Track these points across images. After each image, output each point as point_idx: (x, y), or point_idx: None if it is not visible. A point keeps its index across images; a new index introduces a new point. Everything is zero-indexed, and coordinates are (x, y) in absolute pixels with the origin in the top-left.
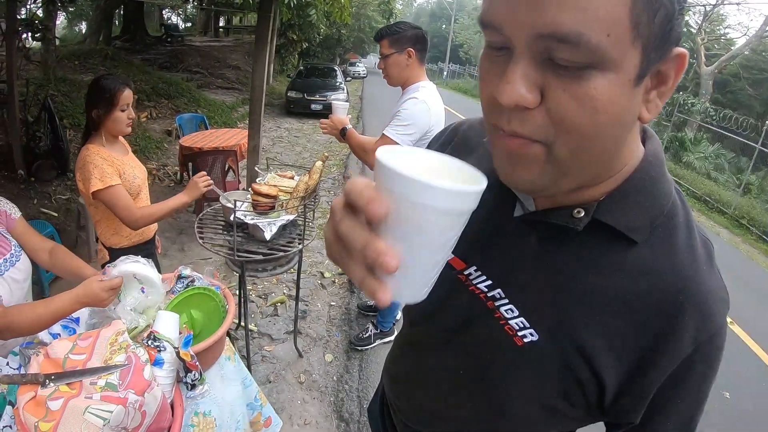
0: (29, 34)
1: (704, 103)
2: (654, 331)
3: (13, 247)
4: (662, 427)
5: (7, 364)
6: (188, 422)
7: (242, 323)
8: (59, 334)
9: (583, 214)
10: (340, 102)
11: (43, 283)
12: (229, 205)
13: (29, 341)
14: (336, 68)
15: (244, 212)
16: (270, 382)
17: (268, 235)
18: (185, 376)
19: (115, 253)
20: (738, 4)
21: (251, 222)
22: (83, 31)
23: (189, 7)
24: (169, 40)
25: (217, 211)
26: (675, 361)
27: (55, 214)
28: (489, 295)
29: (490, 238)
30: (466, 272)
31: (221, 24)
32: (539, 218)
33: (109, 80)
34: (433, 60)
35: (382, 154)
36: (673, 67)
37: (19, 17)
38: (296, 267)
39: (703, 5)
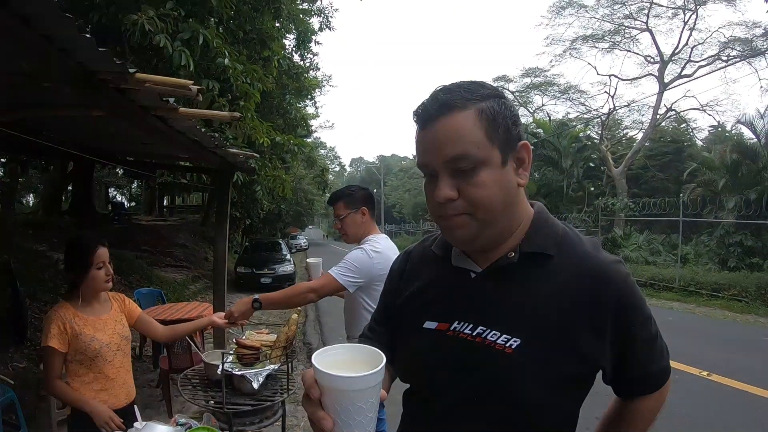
0: None
1: (623, 200)
2: (588, 300)
3: None
4: (632, 372)
5: None
6: None
7: None
8: None
9: (514, 254)
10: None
11: None
12: (215, 362)
13: None
14: (281, 242)
15: (231, 365)
16: None
17: (256, 385)
18: None
19: (76, 413)
20: (627, 105)
21: (239, 373)
22: (30, 203)
23: (134, 187)
24: (116, 218)
25: (196, 374)
26: (610, 313)
27: (12, 382)
28: (474, 334)
29: (460, 299)
30: (451, 328)
31: (165, 204)
32: (489, 271)
33: (83, 240)
34: None
35: (314, 356)
36: (525, 153)
37: None
38: (281, 420)
39: (599, 117)
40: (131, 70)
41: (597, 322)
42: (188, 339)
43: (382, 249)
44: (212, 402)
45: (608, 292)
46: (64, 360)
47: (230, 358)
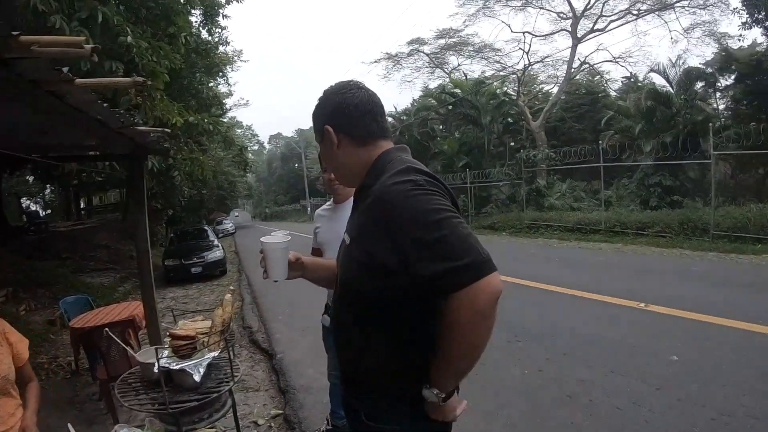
0: None
1: (544, 151)
2: (374, 214)
3: None
4: (425, 270)
5: None
6: None
7: None
8: None
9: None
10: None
11: None
12: (151, 360)
13: None
14: (206, 228)
15: (168, 360)
16: None
17: (198, 377)
18: None
19: None
20: (542, 61)
21: (177, 368)
22: None
23: (47, 193)
24: (32, 228)
25: (134, 376)
26: (383, 222)
27: None
28: (345, 238)
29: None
30: (345, 242)
31: (82, 206)
32: (354, 200)
33: None
34: (294, 200)
35: (263, 239)
36: (326, 132)
37: None
38: (231, 411)
39: (515, 73)
40: (14, 33)
41: (377, 230)
42: (122, 342)
43: None
44: (156, 404)
45: (381, 206)
46: None
47: (166, 353)
